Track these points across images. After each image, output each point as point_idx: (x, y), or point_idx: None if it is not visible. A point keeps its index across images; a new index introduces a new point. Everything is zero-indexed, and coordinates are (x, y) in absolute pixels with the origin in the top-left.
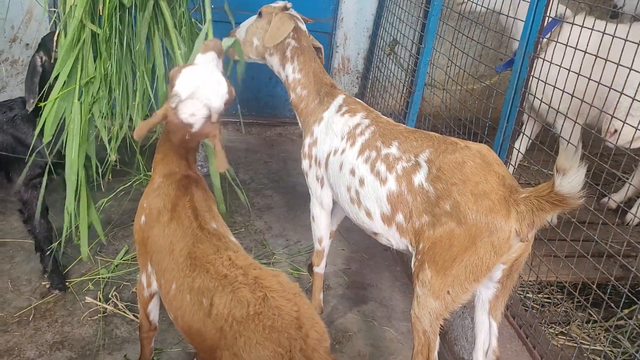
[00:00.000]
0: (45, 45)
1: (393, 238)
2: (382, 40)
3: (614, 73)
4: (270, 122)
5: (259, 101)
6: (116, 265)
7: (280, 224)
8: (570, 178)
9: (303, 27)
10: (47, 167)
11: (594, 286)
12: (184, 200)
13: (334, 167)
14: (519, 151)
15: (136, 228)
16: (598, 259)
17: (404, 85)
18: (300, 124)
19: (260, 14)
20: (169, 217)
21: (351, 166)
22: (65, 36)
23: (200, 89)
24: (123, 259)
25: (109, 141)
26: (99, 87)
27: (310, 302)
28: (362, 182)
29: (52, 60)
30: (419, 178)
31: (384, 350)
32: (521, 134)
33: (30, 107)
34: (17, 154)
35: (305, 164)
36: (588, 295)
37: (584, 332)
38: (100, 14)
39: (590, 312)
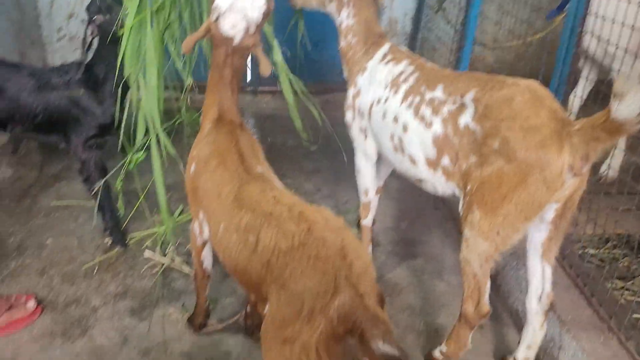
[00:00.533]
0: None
1: (439, 183)
2: None
3: None
4: (318, 89)
5: (305, 68)
6: (174, 224)
7: (329, 186)
8: (628, 102)
9: None
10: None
11: None
12: (230, 145)
13: (377, 117)
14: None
15: (187, 177)
16: None
17: (453, 43)
18: (345, 74)
19: None
20: (217, 163)
21: (394, 114)
22: None
23: (238, 1)
24: (178, 218)
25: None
26: (169, 12)
27: (357, 238)
28: (405, 128)
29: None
30: (465, 119)
31: (435, 302)
32: (580, 80)
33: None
34: (74, 116)
35: (348, 115)
36: None
37: None
38: None
39: None
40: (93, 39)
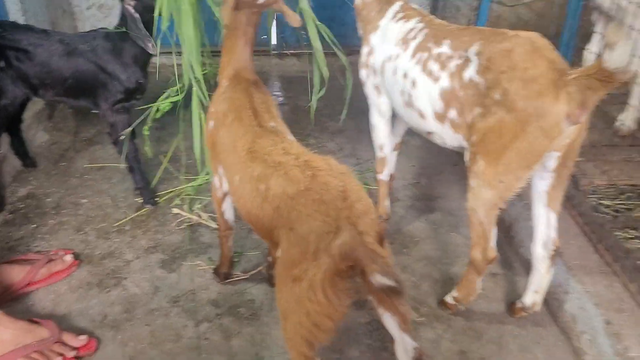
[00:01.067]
0: None
1: (447, 135)
2: None
3: None
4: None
5: (331, 30)
6: (200, 185)
7: (351, 144)
8: (618, 52)
9: None
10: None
11: None
12: (245, 101)
13: (389, 74)
14: (591, 51)
15: (207, 132)
16: None
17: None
18: (359, 32)
19: None
20: (233, 118)
21: (404, 70)
22: None
23: None
24: (206, 177)
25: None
26: None
27: (359, 183)
28: (414, 83)
29: None
30: (470, 72)
31: (451, 253)
32: (594, 35)
33: (153, 51)
34: (101, 81)
35: (363, 73)
36: None
37: None
38: None
39: None
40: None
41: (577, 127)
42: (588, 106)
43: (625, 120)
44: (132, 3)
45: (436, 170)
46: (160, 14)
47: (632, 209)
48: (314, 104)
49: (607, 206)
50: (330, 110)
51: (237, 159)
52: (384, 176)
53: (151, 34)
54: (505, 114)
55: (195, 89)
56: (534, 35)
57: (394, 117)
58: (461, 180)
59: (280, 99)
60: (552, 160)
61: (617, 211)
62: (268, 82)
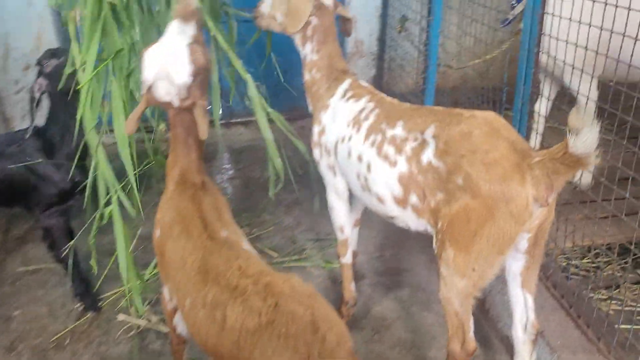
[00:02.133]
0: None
1: (410, 220)
2: (392, 19)
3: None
4: (291, 116)
5: (278, 96)
6: (147, 280)
7: (309, 218)
8: (584, 137)
9: (327, 1)
10: (65, 194)
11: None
12: (193, 210)
13: (343, 155)
14: (539, 114)
15: (154, 242)
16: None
17: (418, 62)
18: (310, 109)
19: None
20: (180, 230)
21: (358, 152)
22: (82, 18)
23: (161, 68)
24: (154, 272)
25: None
26: (129, 59)
27: (327, 303)
28: (369, 167)
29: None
30: (427, 155)
31: (425, 335)
32: (540, 97)
33: (27, 135)
34: (31, 184)
35: (316, 152)
36: (635, 256)
37: (634, 294)
38: None
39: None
40: (41, 95)
41: (546, 208)
42: (556, 187)
43: (583, 178)
44: (44, 83)
45: (399, 240)
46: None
47: (601, 267)
48: (271, 195)
49: (577, 266)
50: (286, 181)
51: (187, 278)
52: (347, 259)
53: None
54: (470, 199)
55: (113, 201)
56: (490, 115)
57: (352, 194)
58: (426, 249)
59: (230, 172)
60: (524, 241)
61: (587, 270)
62: (216, 154)
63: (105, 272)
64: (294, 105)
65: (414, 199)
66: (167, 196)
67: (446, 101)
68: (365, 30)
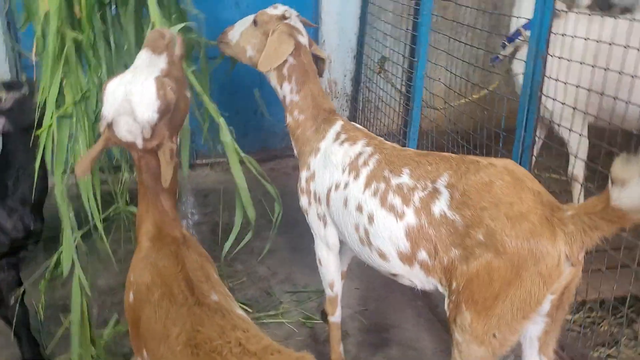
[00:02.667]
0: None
1: (417, 278)
2: (369, 59)
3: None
4: (261, 157)
5: (247, 136)
6: (106, 340)
7: (285, 267)
8: (631, 190)
9: (304, 40)
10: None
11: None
12: (176, 271)
13: (338, 204)
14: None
15: (126, 306)
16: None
17: (399, 103)
18: (295, 152)
19: (255, 22)
20: (161, 294)
21: (357, 201)
22: (42, 52)
23: (123, 103)
24: (114, 328)
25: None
26: (97, 100)
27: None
28: (371, 218)
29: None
30: (440, 206)
31: None
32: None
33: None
34: None
35: (304, 201)
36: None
37: (634, 352)
38: (78, 16)
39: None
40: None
41: (575, 267)
42: (587, 245)
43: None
44: (1, 121)
45: (384, 292)
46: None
47: (597, 322)
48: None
49: (574, 322)
50: (256, 227)
51: (172, 353)
52: (335, 318)
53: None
54: (493, 257)
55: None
56: (510, 163)
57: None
58: (413, 302)
59: (196, 217)
60: (547, 303)
61: (581, 326)
62: (180, 198)
63: (61, 332)
64: (264, 146)
65: (423, 255)
66: (141, 254)
67: (428, 145)
68: (339, 71)
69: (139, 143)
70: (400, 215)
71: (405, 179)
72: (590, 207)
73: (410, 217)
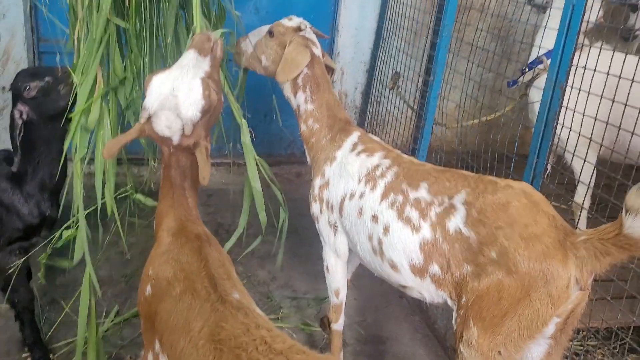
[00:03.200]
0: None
1: (427, 291)
2: (381, 74)
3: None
4: (266, 162)
5: (254, 140)
6: (106, 330)
7: (285, 272)
8: None
9: (318, 51)
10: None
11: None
12: (199, 266)
13: (351, 213)
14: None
15: (140, 299)
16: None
17: (410, 120)
18: (309, 160)
19: (271, 33)
20: (183, 289)
21: (373, 212)
22: (84, 39)
23: (169, 98)
24: (114, 321)
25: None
26: (132, 88)
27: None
28: (386, 229)
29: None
30: (456, 223)
31: None
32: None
33: (15, 167)
34: None
35: (315, 207)
36: (623, 341)
37: None
38: (127, 4)
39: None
40: (23, 123)
41: (583, 291)
42: (597, 271)
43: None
44: (24, 109)
45: (382, 303)
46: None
47: (590, 350)
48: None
49: (567, 348)
50: (257, 230)
51: (194, 348)
52: (338, 325)
53: (61, 151)
54: (505, 275)
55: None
56: (527, 187)
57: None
58: (410, 316)
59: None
60: (552, 325)
61: (576, 354)
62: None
63: (60, 318)
64: (269, 152)
65: (435, 269)
66: (161, 249)
67: (436, 163)
68: (350, 83)
69: (175, 139)
70: (416, 229)
71: (423, 193)
72: (603, 234)
73: (426, 231)
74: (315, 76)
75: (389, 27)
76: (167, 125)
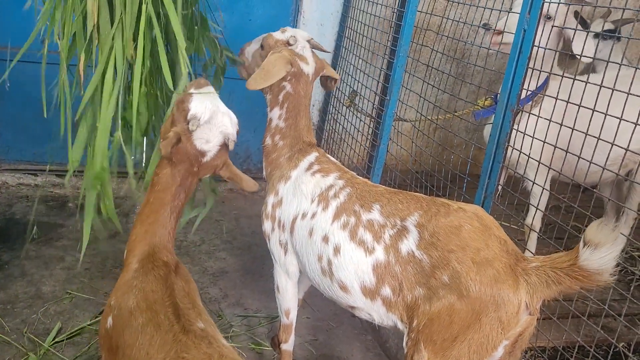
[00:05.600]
0: None
1: (377, 313)
2: (338, 91)
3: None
4: (219, 177)
5: None
6: (46, 350)
7: (236, 290)
8: (603, 254)
9: (308, 68)
10: None
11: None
12: (163, 296)
13: (302, 233)
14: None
15: (102, 332)
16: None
17: (366, 138)
18: (264, 175)
19: (262, 45)
20: (146, 319)
21: (324, 232)
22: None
23: (216, 114)
24: (55, 340)
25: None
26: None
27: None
28: (337, 250)
29: None
30: (408, 245)
31: None
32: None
33: None
34: None
35: (267, 226)
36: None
37: None
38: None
39: None
40: None
41: (532, 316)
42: (547, 297)
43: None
44: None
45: (334, 322)
46: None
47: None
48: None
49: None
50: (209, 247)
51: None
52: (288, 346)
53: None
54: (456, 299)
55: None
56: (479, 210)
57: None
58: (361, 335)
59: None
60: (500, 349)
61: None
62: (134, 209)
63: None
64: None
65: (386, 291)
66: (127, 276)
67: (391, 181)
68: None
69: (209, 155)
70: (370, 251)
71: (375, 215)
72: (557, 262)
73: (380, 253)
74: (297, 96)
75: (347, 46)
76: (207, 140)
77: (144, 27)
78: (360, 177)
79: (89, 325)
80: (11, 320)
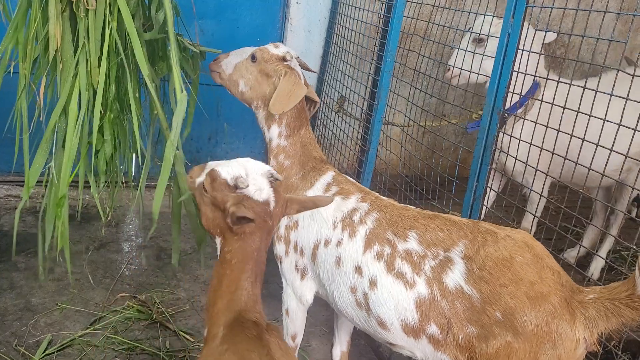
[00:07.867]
0: None
1: (421, 352)
2: (327, 97)
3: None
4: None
5: (197, 163)
6: None
7: None
8: None
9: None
10: None
11: None
12: (260, 354)
13: (328, 262)
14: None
15: None
16: None
17: (355, 143)
18: None
19: (254, 58)
20: None
21: (356, 263)
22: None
23: (243, 165)
24: (46, 352)
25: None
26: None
27: None
28: (373, 284)
29: None
30: (455, 279)
31: None
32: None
33: None
34: None
35: (280, 248)
36: None
37: None
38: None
39: None
40: None
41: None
42: (609, 331)
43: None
44: None
45: (327, 327)
46: None
47: None
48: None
49: None
50: (200, 255)
51: None
52: None
53: None
54: (512, 337)
55: None
56: (528, 238)
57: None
58: (354, 341)
59: (139, 240)
60: None
61: None
62: (124, 219)
63: None
64: None
65: (433, 329)
66: (214, 343)
67: (381, 186)
68: None
69: (272, 202)
70: (410, 284)
71: (412, 244)
72: (614, 293)
73: (422, 287)
74: (295, 111)
75: (335, 52)
76: (259, 188)
77: (108, 52)
78: (385, 198)
79: (79, 336)
80: (1, 334)
